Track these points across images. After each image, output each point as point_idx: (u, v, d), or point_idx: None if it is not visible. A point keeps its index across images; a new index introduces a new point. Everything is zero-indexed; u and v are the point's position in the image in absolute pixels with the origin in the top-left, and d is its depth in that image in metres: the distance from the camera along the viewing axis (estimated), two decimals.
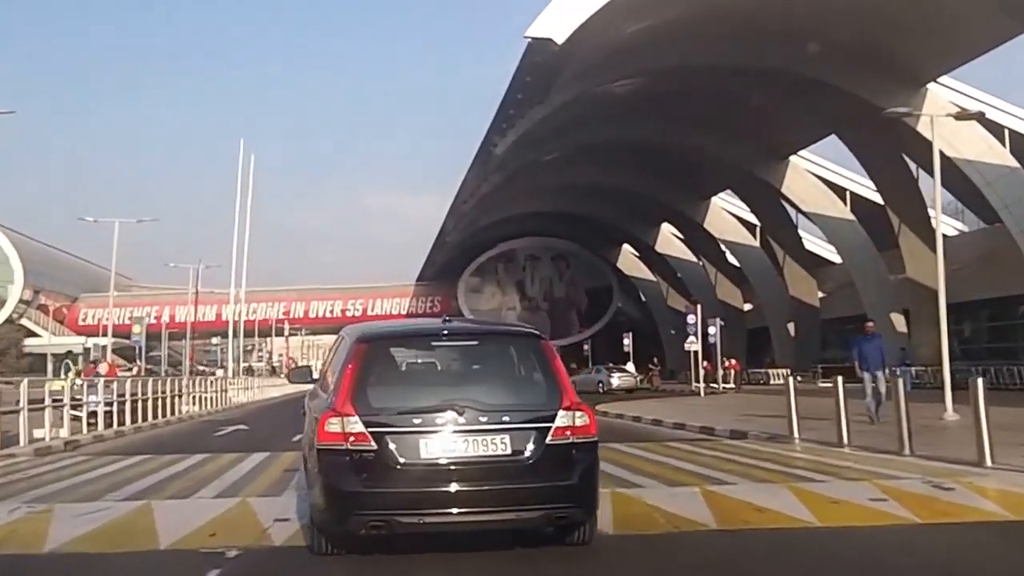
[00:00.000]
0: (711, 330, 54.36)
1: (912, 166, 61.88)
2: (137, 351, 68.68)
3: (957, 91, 55.06)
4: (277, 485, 14.81)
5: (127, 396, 31.13)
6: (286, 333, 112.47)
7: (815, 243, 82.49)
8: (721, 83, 61.42)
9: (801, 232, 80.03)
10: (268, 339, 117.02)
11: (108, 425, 29.18)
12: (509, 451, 9.30)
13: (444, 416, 9.31)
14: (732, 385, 61.99)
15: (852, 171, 71.61)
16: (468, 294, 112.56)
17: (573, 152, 77.06)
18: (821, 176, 72.40)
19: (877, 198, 67.76)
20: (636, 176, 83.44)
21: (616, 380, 65.31)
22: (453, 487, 9.18)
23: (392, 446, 9.18)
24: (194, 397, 44.80)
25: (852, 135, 62.47)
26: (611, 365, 72.71)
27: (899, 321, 66.98)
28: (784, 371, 72.38)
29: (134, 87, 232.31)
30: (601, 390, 61.31)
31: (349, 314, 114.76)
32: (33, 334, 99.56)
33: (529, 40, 44.72)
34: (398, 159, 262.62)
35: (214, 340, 66.93)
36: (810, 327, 78.74)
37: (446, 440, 9.26)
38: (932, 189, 33.03)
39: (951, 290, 61.29)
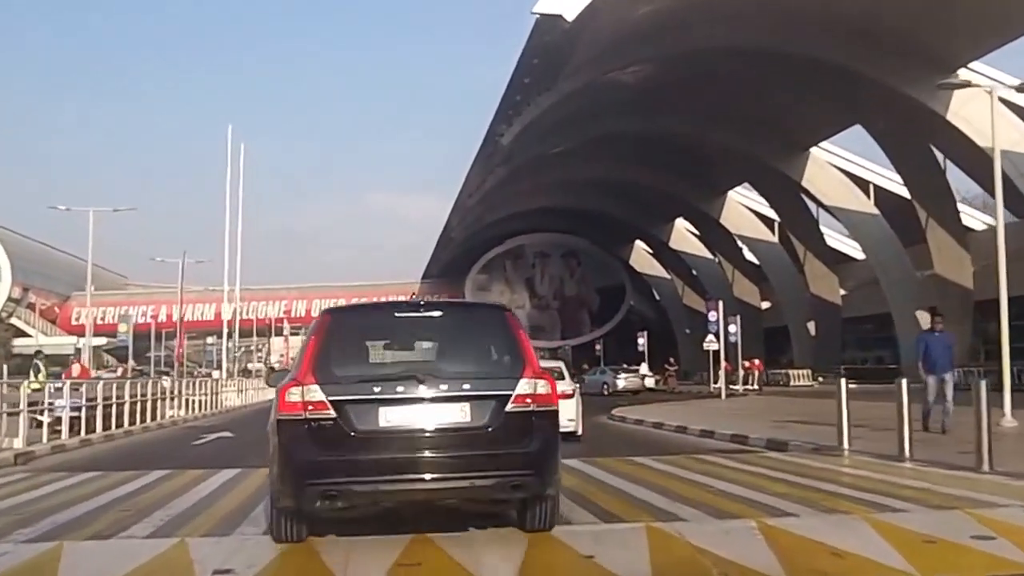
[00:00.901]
0: (731, 329, 51.60)
1: (939, 158, 60.01)
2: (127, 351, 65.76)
3: (988, 76, 52.46)
4: (231, 519, 12.04)
5: (99, 400, 28.20)
6: (285, 332, 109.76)
7: (836, 239, 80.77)
8: (739, 70, 59.34)
9: (822, 228, 77.72)
10: (269, 339, 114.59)
11: (76, 432, 26.50)
12: (468, 419, 9.39)
13: (405, 385, 9.40)
14: (754, 387, 59.11)
15: (876, 163, 69.99)
16: (475, 292, 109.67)
17: (582, 145, 74.95)
18: (843, 168, 70.36)
19: (902, 191, 66.05)
20: (649, 170, 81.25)
21: (622, 382, 62.88)
22: (410, 455, 9.25)
23: (351, 414, 9.25)
24: (185, 400, 42.17)
25: (878, 125, 60.09)
26: (625, 365, 70.39)
27: (925, 320, 63.75)
28: (805, 372, 70.43)
29: (133, 83, 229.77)
30: (607, 392, 59.23)
31: None
32: (23, 334, 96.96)
33: (537, 17, 42.08)
34: (401, 158, 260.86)
35: (209, 340, 64.00)
36: (831, 326, 76.32)
37: (406, 408, 9.34)
38: (959, 182, 30.36)
39: (979, 287, 60.12)
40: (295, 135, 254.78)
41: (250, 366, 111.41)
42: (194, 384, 46.09)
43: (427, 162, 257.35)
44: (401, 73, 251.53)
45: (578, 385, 28.18)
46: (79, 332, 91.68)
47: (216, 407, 47.67)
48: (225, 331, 62.67)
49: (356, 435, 9.22)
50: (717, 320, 51.39)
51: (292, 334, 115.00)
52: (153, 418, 34.72)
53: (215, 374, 60.47)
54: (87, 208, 58.96)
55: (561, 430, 20.78)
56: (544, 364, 30.11)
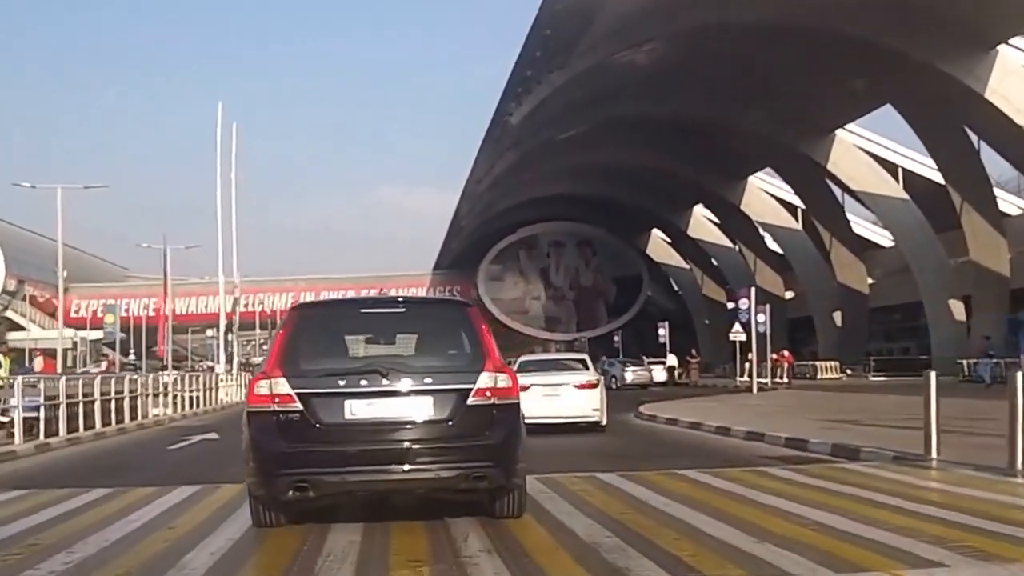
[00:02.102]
0: (759, 318, 48.31)
1: (974, 139, 57.10)
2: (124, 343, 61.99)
3: None
4: (153, 569, 8.79)
5: (61, 398, 24.96)
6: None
7: (863, 226, 78.02)
8: (761, 48, 56.45)
9: (847, 214, 74.65)
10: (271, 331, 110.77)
11: (34, 435, 23.35)
12: (431, 411, 9.73)
13: (369, 378, 9.73)
14: (783, 380, 55.86)
15: (906, 146, 67.20)
16: (488, 283, 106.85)
17: (597, 129, 72.13)
18: (871, 152, 67.10)
19: (932, 175, 63.45)
20: (666, 155, 78.08)
21: (630, 375, 59.84)
22: (375, 446, 9.61)
23: (318, 407, 9.60)
24: (175, 397, 39.07)
25: (909, 104, 57.20)
26: (643, 357, 67.44)
27: (958, 309, 62.14)
28: (832, 364, 67.66)
29: (138, 72, 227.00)
30: (615, 386, 55.35)
31: None
32: (18, 327, 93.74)
33: None
34: (411, 150, 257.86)
35: (209, 332, 60.75)
36: (858, 316, 73.19)
37: (371, 401, 9.68)
38: (991, 165, 27.50)
39: (1016, 275, 57.22)
40: (303, 127, 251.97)
41: (255, 360, 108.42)
42: (187, 379, 42.73)
43: (437, 153, 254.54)
44: (410, 64, 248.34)
45: (602, 376, 27.38)
46: (78, 325, 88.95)
47: (213, 403, 44.60)
48: (222, 323, 59.37)
49: (322, 427, 9.58)
50: (748, 309, 47.94)
51: None
52: (133, 417, 31.63)
53: (217, 368, 57.23)
54: (54, 185, 55.96)
55: (586, 419, 23.35)
56: (568, 356, 30.90)
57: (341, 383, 9.69)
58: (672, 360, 69.04)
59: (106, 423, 28.31)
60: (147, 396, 34.42)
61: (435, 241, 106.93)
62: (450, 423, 9.74)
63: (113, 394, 29.91)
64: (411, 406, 9.76)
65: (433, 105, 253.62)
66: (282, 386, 9.59)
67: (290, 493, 9.58)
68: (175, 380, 40.99)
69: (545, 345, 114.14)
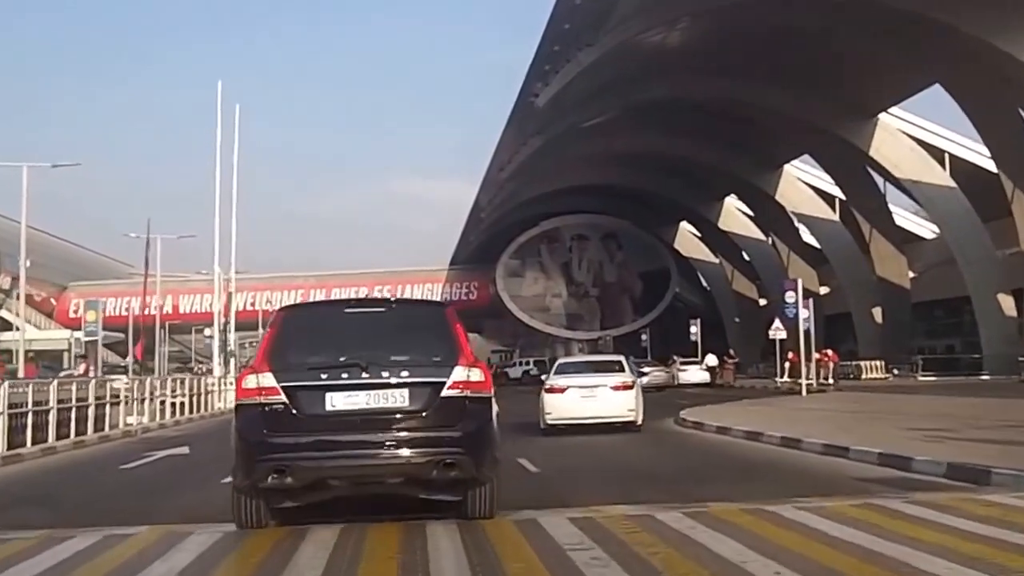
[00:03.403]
0: (803, 314, 44.30)
1: None
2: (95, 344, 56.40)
3: None
4: None
5: (2, 408, 21.05)
6: None
7: (903, 216, 73.94)
8: (799, 25, 53.45)
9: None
10: None
11: None
12: (406, 403, 10.37)
13: (350, 372, 10.36)
14: (828, 381, 51.83)
15: (951, 130, 63.51)
16: (508, 279, 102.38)
17: (624, 114, 68.61)
18: (916, 136, 63.05)
19: (980, 161, 60.16)
20: (696, 142, 74.22)
21: (647, 377, 55.92)
22: (352, 435, 10.22)
23: (301, 399, 10.23)
24: (159, 403, 35.19)
25: (961, 85, 53.25)
26: (675, 357, 63.78)
27: (1007, 303, 58.35)
28: (877, 363, 63.90)
29: (140, 63, 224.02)
30: None
31: None
32: (10, 327, 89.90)
33: None
34: (428, 141, 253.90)
35: (207, 332, 56.92)
36: (900, 312, 68.94)
37: (350, 394, 10.32)
38: None
39: None
40: (313, 114, 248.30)
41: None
42: (173, 383, 38.70)
43: (457, 143, 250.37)
44: (429, 47, 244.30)
45: (639, 378, 27.54)
46: (76, 326, 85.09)
47: (205, 409, 40.74)
48: (217, 321, 55.39)
49: (304, 417, 10.23)
50: (796, 303, 43.78)
51: None
52: (99, 428, 27.72)
53: (215, 370, 53.38)
54: (20, 164, 51.51)
55: (621, 419, 24.11)
56: (604, 358, 31.01)
57: (323, 376, 10.31)
58: (712, 360, 65.25)
59: (62, 435, 24.44)
60: (123, 402, 30.40)
61: (453, 234, 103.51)
62: (424, 413, 10.33)
63: (74, 402, 25.96)
64: (388, 397, 10.37)
65: (454, 92, 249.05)
66: (268, 379, 10.22)
67: (269, 478, 10.07)
68: (159, 385, 37.00)
69: (567, 344, 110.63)
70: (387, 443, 10.29)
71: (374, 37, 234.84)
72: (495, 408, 11.01)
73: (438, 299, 16.18)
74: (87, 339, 47.82)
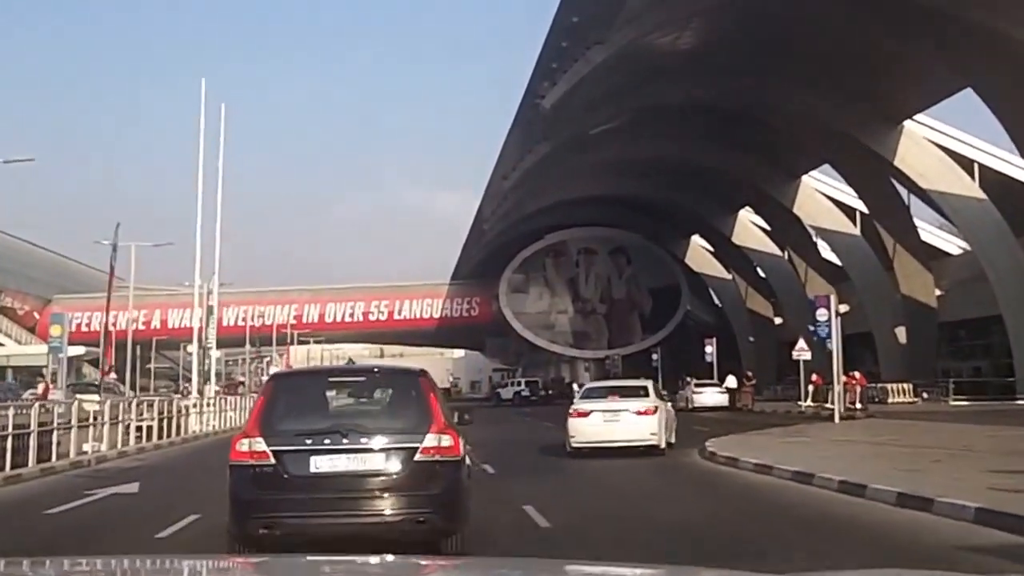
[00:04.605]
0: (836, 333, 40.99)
1: None
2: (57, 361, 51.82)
3: None
4: None
5: None
6: (289, 340, 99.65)
7: (928, 231, 70.88)
8: (821, 25, 51.04)
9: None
10: (286, 348, 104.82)
11: None
12: (383, 466, 11.45)
13: (332, 438, 11.46)
14: (857, 406, 48.33)
15: (980, 139, 60.69)
16: (511, 294, 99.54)
17: (634, 121, 66.01)
18: (943, 145, 59.81)
19: (1012, 171, 58.20)
20: (710, 150, 71.46)
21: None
22: (334, 495, 11.27)
23: (287, 462, 11.31)
24: (126, 426, 31.57)
25: (995, 90, 49.82)
26: (688, 378, 60.74)
27: None
28: (905, 387, 60.63)
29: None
30: None
31: (372, 318, 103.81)
32: None
33: None
34: (429, 152, 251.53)
35: (189, 349, 53.66)
36: (925, 332, 65.49)
37: (331, 457, 11.38)
38: None
39: None
40: (308, 124, 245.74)
41: (239, 378, 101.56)
42: (139, 405, 34.98)
43: (459, 155, 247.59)
44: (429, 57, 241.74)
45: (663, 403, 27.90)
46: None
47: (175, 434, 37.03)
48: (196, 336, 51.82)
49: (290, 478, 11.26)
50: (828, 321, 40.22)
51: (301, 342, 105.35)
52: (45, 459, 24.16)
53: (191, 391, 49.87)
54: None
55: (643, 443, 25.48)
56: (630, 383, 31.12)
57: (308, 441, 11.43)
58: (732, 382, 62.01)
59: None
60: (97, 426, 26.84)
61: (455, 248, 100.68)
62: (398, 476, 11.40)
63: (11, 430, 22.42)
64: (366, 461, 11.44)
65: (458, 105, 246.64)
66: (259, 444, 11.33)
67: (260, 531, 11.17)
68: (133, 408, 33.40)
69: (572, 364, 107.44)
70: (366, 502, 11.41)
71: (374, 41, 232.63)
72: (467, 464, 12.13)
73: (418, 368, 14.78)
74: (50, 355, 43.97)
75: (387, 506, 11.36)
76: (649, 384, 28.74)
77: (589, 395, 28.23)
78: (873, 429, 34.44)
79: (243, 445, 11.40)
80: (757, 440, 28.73)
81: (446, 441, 11.49)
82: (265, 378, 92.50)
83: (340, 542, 11.07)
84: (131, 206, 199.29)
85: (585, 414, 26.30)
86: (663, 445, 26.02)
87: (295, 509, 11.16)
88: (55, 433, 25.29)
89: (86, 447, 27.50)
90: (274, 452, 11.26)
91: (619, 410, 26.16)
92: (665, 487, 19.62)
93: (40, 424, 24.64)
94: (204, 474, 24.95)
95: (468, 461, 12.28)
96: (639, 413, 25.95)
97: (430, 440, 11.39)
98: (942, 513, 13.79)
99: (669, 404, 30.19)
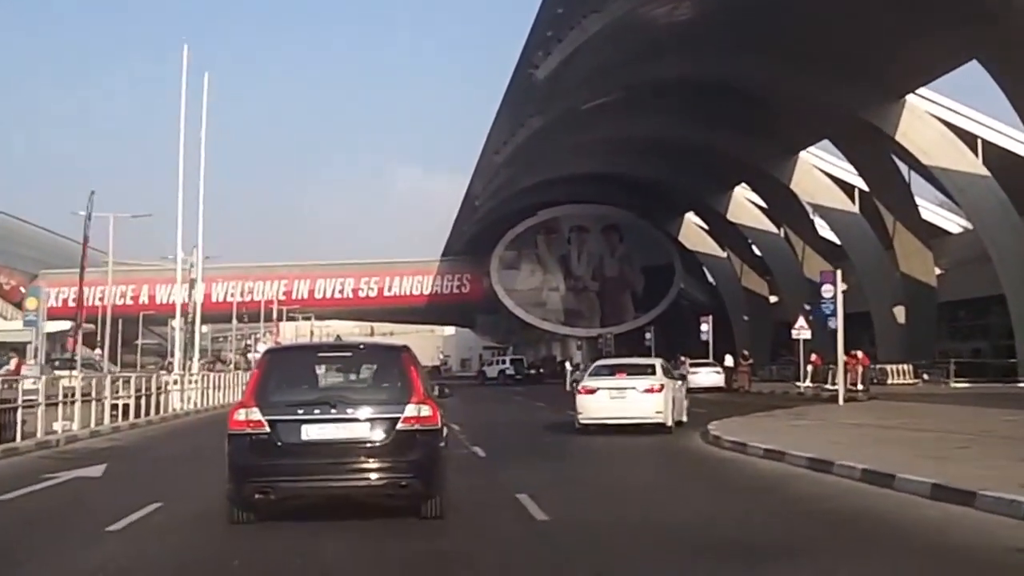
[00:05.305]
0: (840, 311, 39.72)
1: None
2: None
3: None
4: None
5: None
6: (277, 316, 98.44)
7: (928, 209, 69.60)
8: None
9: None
10: (274, 324, 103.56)
11: None
12: (368, 434, 12.44)
13: (321, 408, 12.52)
14: (859, 387, 47.07)
15: (984, 114, 59.83)
16: (502, 271, 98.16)
17: (629, 96, 64.72)
18: (946, 120, 58.50)
19: (1017, 148, 57.39)
20: (706, 126, 69.69)
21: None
22: (324, 461, 12.31)
23: (281, 430, 12.29)
24: (104, 404, 30.27)
25: (1002, 63, 49.01)
26: (683, 357, 59.43)
27: None
28: (904, 368, 59.65)
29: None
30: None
31: (362, 294, 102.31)
32: None
33: None
34: (422, 128, 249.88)
35: (174, 324, 52.29)
36: (925, 312, 64.30)
37: (321, 426, 12.39)
38: None
39: None
40: (296, 98, 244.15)
41: (229, 355, 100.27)
42: (115, 382, 33.56)
43: (452, 132, 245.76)
44: (424, 33, 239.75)
45: (671, 382, 27.94)
46: (49, 316, 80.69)
47: (155, 412, 35.61)
48: (178, 311, 50.59)
49: (284, 445, 12.23)
50: (833, 297, 38.75)
51: (290, 319, 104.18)
52: (6, 439, 22.90)
53: (195, 366, 48.68)
54: None
55: (649, 421, 26.03)
56: (638, 361, 32.68)
57: (300, 411, 12.40)
58: (729, 361, 60.96)
59: None
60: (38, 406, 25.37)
61: (446, 225, 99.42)
62: (382, 443, 12.39)
63: None
64: (353, 430, 12.43)
65: (451, 81, 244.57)
66: (255, 414, 12.30)
67: (256, 496, 12.24)
68: (107, 385, 31.99)
69: (564, 342, 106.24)
70: (352, 468, 12.36)
71: (363, 13, 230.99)
72: (444, 434, 13.09)
73: (401, 344, 14.74)
74: (26, 329, 42.66)
75: (372, 471, 12.37)
76: (657, 363, 29.01)
77: (598, 373, 28.62)
78: (879, 411, 33.20)
79: (240, 415, 12.43)
80: (762, 423, 27.52)
81: (425, 411, 12.50)
82: (252, 355, 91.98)
83: (330, 508, 12.86)
84: (117, 179, 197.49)
85: (592, 391, 26.85)
86: (670, 423, 26.38)
87: (288, 474, 12.15)
88: (19, 412, 23.81)
89: (56, 426, 26.18)
90: (269, 421, 12.23)
91: (625, 388, 26.63)
92: (670, 477, 18.38)
93: (4, 401, 23.37)
94: (177, 457, 23.77)
95: (445, 431, 13.20)
96: (645, 391, 26.38)
97: (411, 411, 12.41)
98: (987, 508, 12.43)
99: (680, 383, 30.20)
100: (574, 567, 10.45)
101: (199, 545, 11.94)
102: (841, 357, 40.15)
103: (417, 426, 12.38)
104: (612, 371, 28.61)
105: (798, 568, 10.08)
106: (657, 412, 26.10)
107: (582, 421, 26.74)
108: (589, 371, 30.06)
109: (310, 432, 12.25)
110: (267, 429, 12.17)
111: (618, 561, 10.58)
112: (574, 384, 58.94)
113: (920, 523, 12.26)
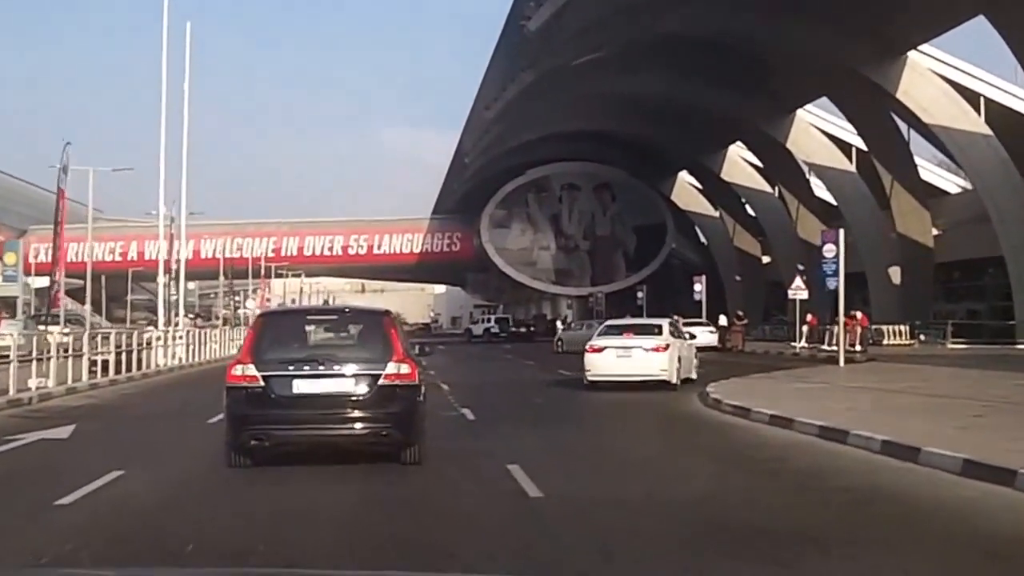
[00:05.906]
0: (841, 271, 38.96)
1: None
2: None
3: None
4: None
5: None
6: (264, 273, 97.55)
7: (925, 168, 68.28)
8: None
9: None
10: (263, 280, 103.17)
11: None
12: (352, 389, 13.82)
13: (310, 365, 13.84)
14: (856, 347, 46.25)
15: (987, 71, 58.72)
16: (493, 230, 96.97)
17: (622, 51, 62.62)
18: (948, 77, 57.30)
19: (1020, 106, 55.90)
20: (701, 82, 68.19)
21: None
22: (313, 412, 13.70)
23: (274, 384, 13.67)
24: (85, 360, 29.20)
25: (1009, 18, 47.65)
26: (676, 317, 58.41)
27: None
28: (901, 328, 58.87)
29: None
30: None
31: (352, 252, 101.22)
32: None
33: None
34: (413, 84, 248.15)
35: (160, 280, 51.31)
36: (921, 273, 63.40)
37: (310, 381, 13.71)
38: None
39: None
40: (290, 51, 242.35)
41: (220, 312, 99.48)
42: (93, 337, 32.52)
43: (443, 90, 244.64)
44: None
45: (678, 341, 28.91)
46: (39, 273, 79.83)
47: (137, 368, 34.62)
48: (161, 268, 49.58)
49: (276, 398, 13.63)
50: (835, 257, 37.87)
51: (279, 276, 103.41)
52: None
53: (183, 322, 47.91)
54: None
55: (655, 378, 27.06)
56: (646, 321, 35.72)
57: (291, 368, 13.74)
58: (723, 321, 60.16)
59: None
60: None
61: (436, 183, 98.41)
62: (365, 397, 13.75)
63: None
64: (339, 385, 13.77)
65: (441, 35, 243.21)
66: (251, 369, 13.65)
67: (252, 442, 13.66)
68: (87, 340, 30.96)
69: (555, 301, 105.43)
70: (338, 419, 13.76)
71: None
72: (423, 390, 14.20)
73: (383, 308, 14.87)
74: (7, 284, 41.66)
75: (356, 421, 13.73)
76: (665, 323, 30.15)
77: (607, 332, 29.66)
78: (881, 373, 32.37)
79: (237, 370, 13.77)
80: (763, 385, 26.57)
81: (404, 369, 13.78)
82: (243, 311, 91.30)
83: (319, 455, 13.95)
84: (112, 134, 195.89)
85: (600, 350, 27.98)
86: (675, 380, 27.29)
87: (280, 423, 13.56)
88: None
89: (31, 383, 25.20)
90: (263, 376, 13.55)
91: (632, 347, 27.69)
92: (671, 446, 17.28)
93: None
94: (149, 415, 22.79)
95: (423, 388, 14.33)
96: (650, 350, 27.40)
97: (391, 368, 13.69)
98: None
99: (688, 342, 31.13)
100: (574, 558, 9.25)
101: (157, 524, 10.76)
102: (842, 317, 39.26)
103: (397, 382, 13.68)
104: (620, 331, 29.65)
105: (825, 560, 9.04)
106: (662, 370, 27.08)
107: (590, 378, 27.84)
108: (598, 331, 30.80)
109: (300, 386, 13.59)
110: (261, 383, 13.53)
111: (622, 547, 9.50)
112: (559, 343, 58.90)
113: (954, 503, 11.25)
